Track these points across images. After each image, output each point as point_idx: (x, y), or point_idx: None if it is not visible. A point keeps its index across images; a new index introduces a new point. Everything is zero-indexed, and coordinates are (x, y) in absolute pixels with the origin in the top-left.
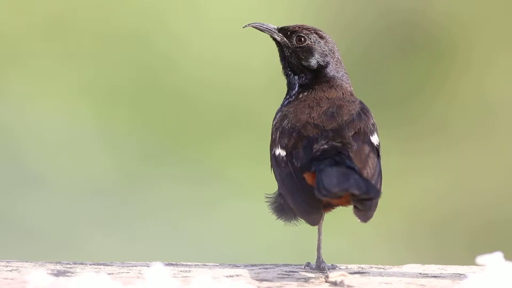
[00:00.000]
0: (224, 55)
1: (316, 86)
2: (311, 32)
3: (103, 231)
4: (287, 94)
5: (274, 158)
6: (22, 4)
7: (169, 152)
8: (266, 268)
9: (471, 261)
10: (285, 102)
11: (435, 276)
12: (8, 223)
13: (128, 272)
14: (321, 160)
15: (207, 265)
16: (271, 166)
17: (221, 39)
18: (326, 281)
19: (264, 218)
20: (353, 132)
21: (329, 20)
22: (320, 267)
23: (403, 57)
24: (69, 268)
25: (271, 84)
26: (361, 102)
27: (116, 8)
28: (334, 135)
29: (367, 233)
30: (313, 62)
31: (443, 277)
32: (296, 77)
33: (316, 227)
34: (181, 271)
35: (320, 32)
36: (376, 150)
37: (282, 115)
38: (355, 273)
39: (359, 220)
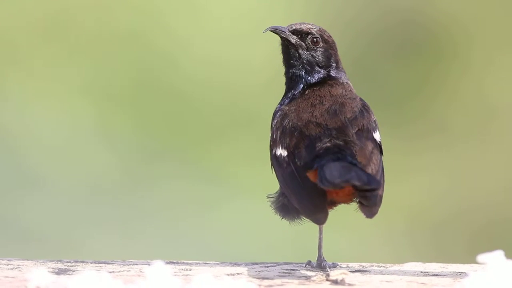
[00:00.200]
0: (224, 55)
1: (320, 85)
2: (323, 33)
3: (104, 230)
4: (287, 93)
5: (275, 158)
6: (22, 4)
7: (169, 152)
8: (267, 267)
9: (471, 260)
10: (286, 101)
11: (436, 275)
12: (8, 223)
13: (129, 271)
14: (324, 157)
15: (208, 263)
16: (272, 166)
17: (221, 39)
18: (327, 280)
19: (265, 217)
20: (356, 129)
21: (329, 20)
22: (321, 265)
23: (403, 57)
24: (70, 266)
25: (271, 84)
26: (361, 99)
27: (116, 8)
28: (337, 133)
29: (368, 231)
30: (327, 61)
31: (444, 275)
32: (307, 76)
33: (317, 225)
34: (182, 269)
35: (327, 32)
36: (379, 147)
37: (282, 114)
38: (356, 271)
39: (364, 216)
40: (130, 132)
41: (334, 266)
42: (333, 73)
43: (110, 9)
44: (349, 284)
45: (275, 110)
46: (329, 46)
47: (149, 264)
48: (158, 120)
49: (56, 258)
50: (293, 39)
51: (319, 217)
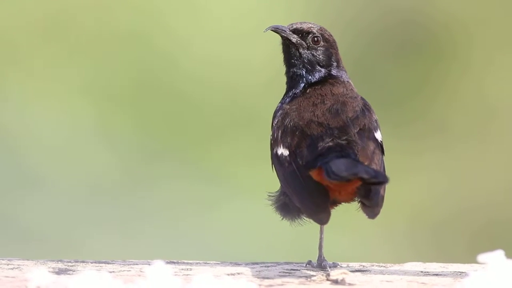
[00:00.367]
0: (224, 55)
1: (321, 83)
2: (324, 32)
3: (104, 230)
4: (287, 92)
5: (277, 157)
6: (22, 4)
7: (169, 152)
8: (268, 266)
9: (472, 260)
10: (287, 100)
11: (437, 274)
12: (8, 223)
13: (130, 271)
14: (326, 156)
15: (208, 263)
16: (273, 166)
17: (221, 39)
18: (327, 279)
19: (265, 216)
20: (358, 129)
21: (329, 20)
22: (321, 265)
23: (403, 57)
24: (71, 266)
25: (271, 83)
26: (362, 98)
27: (116, 8)
28: (339, 133)
29: (368, 231)
30: (328, 61)
31: (445, 275)
32: (308, 75)
33: (318, 225)
34: (182, 269)
35: (328, 31)
36: (380, 146)
37: (283, 113)
38: (356, 271)
39: (366, 217)
40: (130, 132)
41: (334, 266)
42: (334, 72)
43: (110, 9)
44: (350, 284)
45: (276, 109)
46: (330, 45)
47: (149, 264)
48: (158, 120)
49: (57, 258)
50: (294, 38)
51: (321, 217)
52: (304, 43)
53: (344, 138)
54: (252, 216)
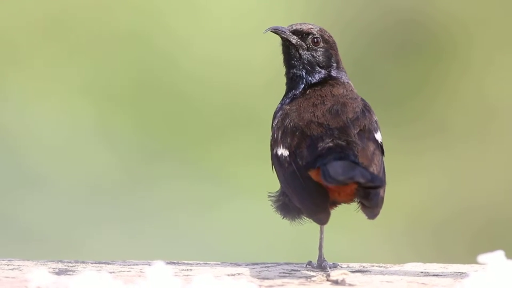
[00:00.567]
0: (224, 55)
1: (321, 84)
2: (324, 33)
3: (104, 230)
4: (287, 93)
5: (277, 158)
6: (22, 4)
7: (169, 152)
8: (268, 267)
9: (472, 260)
10: (287, 101)
11: (437, 275)
12: (9, 224)
13: (130, 271)
14: (326, 156)
15: (208, 263)
16: (273, 166)
17: (222, 39)
18: (327, 280)
19: (265, 217)
20: (358, 130)
21: (329, 20)
22: (321, 265)
23: (403, 57)
24: (71, 266)
25: (271, 84)
26: (362, 99)
27: (116, 8)
28: (339, 133)
29: (368, 231)
30: (328, 62)
31: (445, 275)
32: (308, 76)
33: (318, 225)
34: (183, 269)
35: (328, 32)
36: (380, 147)
37: (283, 114)
38: (356, 271)
39: (366, 217)
40: (130, 132)
41: (334, 266)
42: (334, 73)
43: (110, 9)
44: (350, 285)
45: (276, 109)
46: (330, 46)
47: (149, 264)
48: (158, 120)
49: (57, 259)
50: (294, 39)
51: (321, 217)
52: (304, 44)
53: (344, 139)
54: (252, 216)
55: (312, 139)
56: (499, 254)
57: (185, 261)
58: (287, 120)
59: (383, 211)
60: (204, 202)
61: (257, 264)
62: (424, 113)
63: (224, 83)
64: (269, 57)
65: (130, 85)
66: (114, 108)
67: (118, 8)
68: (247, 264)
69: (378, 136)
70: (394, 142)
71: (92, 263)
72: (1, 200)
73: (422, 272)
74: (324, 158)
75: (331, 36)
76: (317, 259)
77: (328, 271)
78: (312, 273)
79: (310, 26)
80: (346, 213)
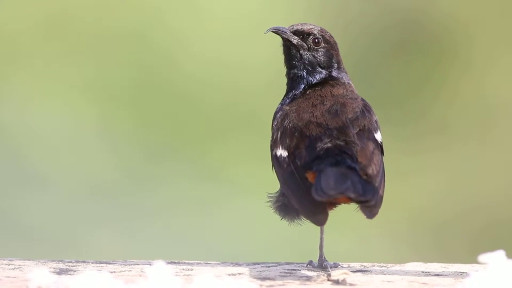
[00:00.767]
0: (224, 55)
1: (321, 85)
2: (325, 33)
3: (105, 230)
4: (288, 93)
5: (276, 159)
6: (22, 4)
7: (169, 152)
8: (268, 267)
9: (473, 260)
10: (287, 101)
11: (438, 275)
12: (9, 223)
13: (130, 271)
14: (323, 159)
15: (209, 263)
16: (273, 167)
17: (222, 39)
18: (328, 280)
19: (266, 217)
20: (357, 130)
21: (330, 20)
22: (322, 265)
23: (404, 57)
24: (72, 266)
25: (271, 83)
26: (363, 99)
27: (116, 8)
28: (338, 133)
29: (369, 231)
30: (329, 62)
31: (446, 275)
32: (308, 77)
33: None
34: (183, 269)
35: (329, 33)
36: (380, 147)
37: (283, 114)
38: (357, 271)
39: (365, 217)
40: (131, 131)
41: (335, 266)
42: (334, 73)
43: (110, 8)
44: (351, 284)
45: (276, 110)
46: (331, 47)
47: (150, 264)
48: (159, 120)
49: (57, 258)
50: (295, 39)
51: (319, 218)
52: (304, 44)
53: (343, 138)
54: (252, 216)
55: (311, 140)
56: (500, 254)
57: (186, 261)
58: (287, 121)
59: (384, 211)
60: (206, 201)
61: (257, 264)
62: (424, 113)
63: (224, 83)
64: (269, 57)
65: (131, 85)
66: (115, 108)
67: (119, 8)
68: (247, 264)
69: (378, 136)
70: (395, 141)
71: (92, 263)
72: (1, 199)
73: (423, 272)
74: (321, 161)
75: (332, 37)
76: (317, 258)
77: (329, 270)
78: (312, 273)
79: (311, 27)
80: (346, 213)
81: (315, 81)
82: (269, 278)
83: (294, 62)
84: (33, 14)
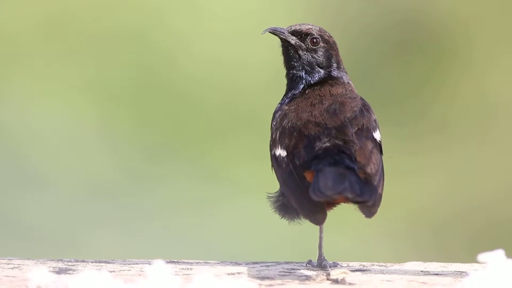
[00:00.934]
0: (224, 55)
1: (320, 84)
2: (323, 33)
3: (105, 230)
4: (287, 93)
5: (275, 159)
6: (22, 4)
7: (169, 151)
8: (268, 266)
9: (472, 259)
10: (286, 101)
11: (437, 274)
12: (9, 223)
13: (130, 270)
14: (322, 158)
15: (208, 263)
16: (272, 166)
17: (222, 39)
18: (327, 279)
19: (266, 216)
20: (356, 129)
21: (330, 20)
22: (321, 264)
23: (404, 57)
24: (71, 265)
25: (271, 83)
26: (362, 99)
27: (116, 8)
28: (337, 132)
29: (368, 231)
30: (328, 62)
31: (445, 274)
32: (307, 77)
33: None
34: (183, 268)
35: (328, 32)
36: (378, 146)
37: (281, 114)
38: (356, 270)
39: (364, 216)
40: (131, 131)
41: (334, 265)
42: (334, 73)
43: (110, 8)
44: (350, 284)
45: (275, 110)
46: (330, 47)
47: (149, 264)
48: (159, 119)
49: (57, 258)
50: (293, 40)
51: (317, 217)
52: (303, 44)
53: (342, 138)
54: (252, 216)
55: (309, 139)
56: (499, 253)
57: (185, 260)
58: (285, 121)
59: (383, 210)
60: (205, 201)
61: (257, 263)
62: (424, 113)
63: (224, 83)
64: (269, 57)
65: (131, 85)
66: (115, 108)
67: (119, 8)
68: (247, 263)
69: (377, 135)
70: (395, 141)
71: (92, 262)
72: (1, 199)
73: (422, 271)
74: (319, 161)
75: (331, 37)
76: (317, 258)
77: (328, 270)
78: (312, 272)
79: (309, 27)
80: (346, 212)
81: (314, 81)
82: (268, 278)
83: (292, 63)
84: (33, 14)
